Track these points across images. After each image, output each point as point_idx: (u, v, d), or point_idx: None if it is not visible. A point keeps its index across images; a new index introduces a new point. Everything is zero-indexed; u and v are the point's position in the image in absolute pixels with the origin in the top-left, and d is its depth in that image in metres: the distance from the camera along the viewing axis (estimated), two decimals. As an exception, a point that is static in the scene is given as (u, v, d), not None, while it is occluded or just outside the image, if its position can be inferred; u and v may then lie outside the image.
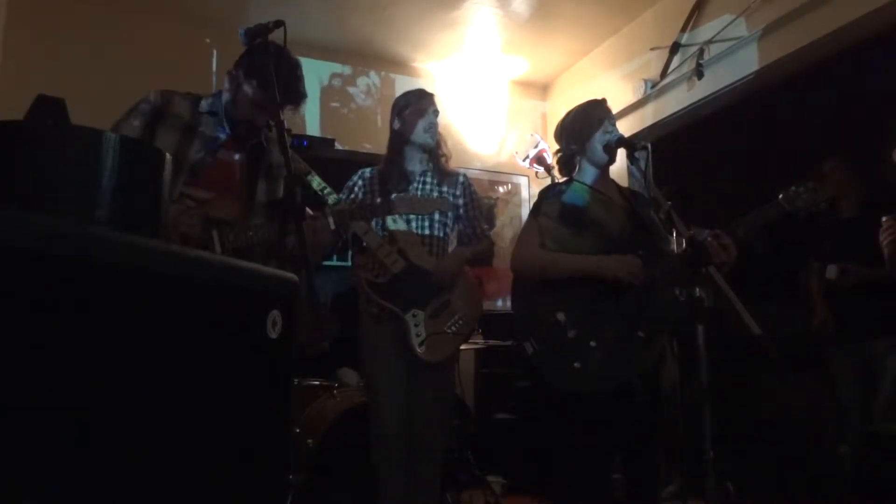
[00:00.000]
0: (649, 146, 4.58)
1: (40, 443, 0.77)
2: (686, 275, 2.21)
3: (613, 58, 4.79)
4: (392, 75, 5.18)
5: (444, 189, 2.73)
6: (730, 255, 2.11)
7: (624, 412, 2.19)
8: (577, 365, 2.16)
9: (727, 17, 3.76)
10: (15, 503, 0.74)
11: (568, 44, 4.93)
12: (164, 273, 0.96)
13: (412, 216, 2.63)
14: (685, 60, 4.07)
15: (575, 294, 2.23)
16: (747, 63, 3.64)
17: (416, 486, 2.53)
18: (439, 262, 2.60)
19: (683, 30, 4.08)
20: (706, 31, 3.93)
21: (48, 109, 1.10)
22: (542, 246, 2.34)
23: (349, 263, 3.26)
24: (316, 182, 2.24)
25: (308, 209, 2.01)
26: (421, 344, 2.49)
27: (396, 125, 2.75)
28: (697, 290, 2.22)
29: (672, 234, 2.29)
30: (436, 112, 2.75)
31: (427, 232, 2.66)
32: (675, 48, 4.12)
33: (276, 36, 1.78)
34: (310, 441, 2.96)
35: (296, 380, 3.17)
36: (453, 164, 2.84)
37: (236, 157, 2.16)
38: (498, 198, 5.45)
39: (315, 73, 4.89)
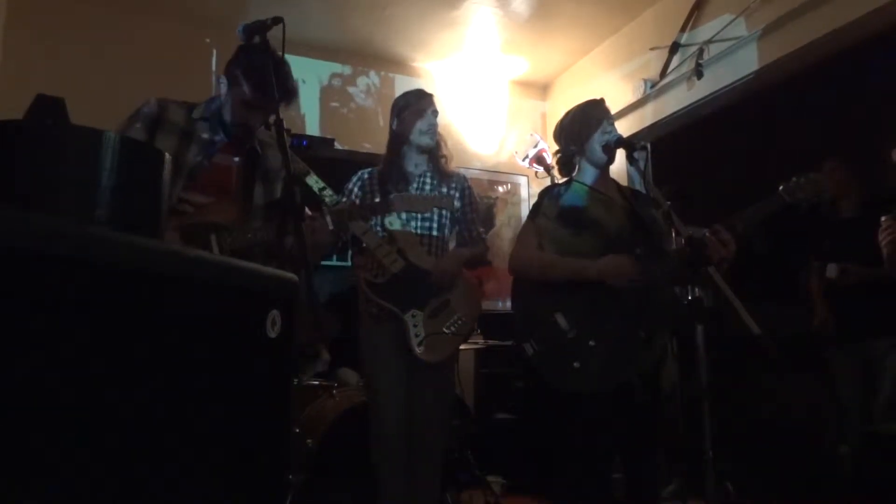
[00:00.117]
0: (649, 146, 4.58)
1: (40, 443, 0.77)
2: (686, 274, 2.20)
3: (613, 58, 4.79)
4: (392, 75, 5.18)
5: (444, 190, 2.73)
6: (729, 251, 2.10)
7: (624, 412, 2.19)
8: (576, 365, 2.16)
9: (727, 17, 3.76)
10: (15, 503, 0.74)
11: (568, 43, 4.93)
12: (164, 273, 0.96)
13: (411, 215, 2.63)
14: (685, 60, 4.07)
15: (574, 294, 2.23)
16: (747, 63, 3.64)
17: (415, 486, 2.52)
18: (438, 262, 2.60)
19: (683, 30, 4.08)
20: (706, 30, 3.93)
21: (48, 109, 1.10)
22: (541, 247, 2.34)
23: (348, 263, 3.26)
24: (314, 182, 2.24)
25: (307, 209, 2.01)
26: (420, 344, 2.49)
27: (395, 126, 2.75)
28: (697, 289, 2.22)
29: (672, 234, 2.29)
30: (435, 113, 2.75)
31: (426, 231, 2.66)
32: (674, 48, 4.12)
33: (275, 34, 1.78)
34: (309, 441, 2.96)
35: (295, 380, 3.17)
36: (453, 165, 2.84)
37: (235, 160, 2.16)
38: (497, 197, 5.45)
39: (315, 73, 4.90)
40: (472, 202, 2.80)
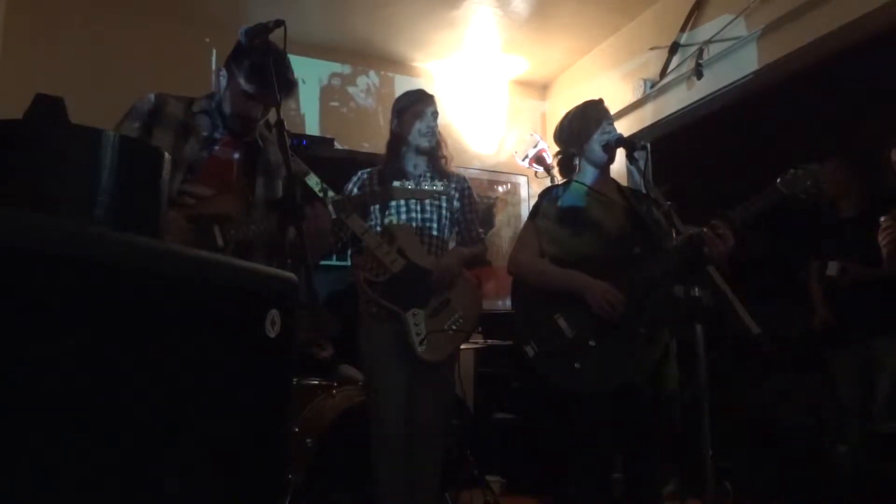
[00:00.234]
0: (648, 146, 4.58)
1: (40, 443, 0.77)
2: (685, 273, 2.21)
3: (613, 57, 4.79)
4: (391, 75, 5.18)
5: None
6: (726, 245, 2.11)
7: (624, 412, 2.19)
8: (577, 365, 2.16)
9: (727, 17, 3.76)
10: (15, 503, 0.74)
11: (567, 43, 4.93)
12: (164, 272, 0.96)
13: (411, 204, 2.64)
14: (684, 60, 4.07)
15: (573, 295, 2.23)
16: (747, 63, 3.64)
17: (415, 486, 2.53)
18: (439, 261, 2.60)
19: (683, 29, 4.08)
20: (705, 30, 3.93)
21: (47, 108, 1.10)
22: (541, 248, 2.35)
23: (348, 263, 3.27)
24: (314, 182, 2.25)
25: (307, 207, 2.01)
26: (421, 343, 2.49)
27: (395, 126, 2.76)
28: (696, 289, 2.22)
29: (672, 233, 2.29)
30: (435, 114, 2.74)
31: (426, 231, 2.66)
32: (674, 48, 4.12)
33: (276, 35, 1.78)
34: (309, 440, 2.96)
35: (295, 379, 3.17)
36: (453, 165, 2.84)
37: (235, 155, 2.16)
38: (497, 197, 5.45)
39: (314, 73, 4.90)
40: (471, 202, 2.81)
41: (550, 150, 4.19)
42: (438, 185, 2.49)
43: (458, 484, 3.42)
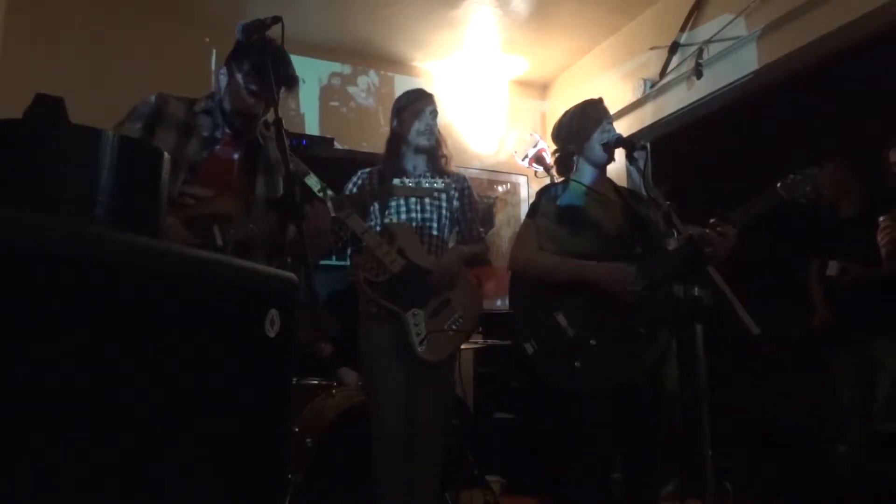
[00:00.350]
0: (648, 146, 4.58)
1: (40, 443, 0.77)
2: (685, 272, 2.21)
3: (613, 57, 4.79)
4: (391, 74, 5.18)
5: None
6: (728, 243, 2.13)
7: (624, 412, 2.19)
8: (577, 364, 2.16)
9: (726, 17, 3.76)
10: (15, 503, 0.74)
11: (567, 43, 4.93)
12: (163, 272, 0.96)
13: (411, 204, 2.64)
14: (684, 60, 4.07)
15: (574, 293, 2.23)
16: (747, 63, 3.64)
17: (415, 486, 2.52)
18: (439, 260, 2.60)
19: (683, 29, 4.08)
20: (705, 30, 3.93)
21: (47, 108, 1.10)
22: (541, 246, 2.34)
23: (348, 263, 3.27)
24: (314, 182, 2.25)
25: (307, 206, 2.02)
26: (421, 343, 2.48)
27: (395, 126, 2.76)
28: (696, 289, 2.22)
29: (671, 233, 2.30)
30: (434, 113, 2.74)
31: (426, 230, 2.66)
32: (674, 48, 4.12)
33: (274, 33, 1.78)
34: (308, 440, 2.96)
35: (294, 379, 3.17)
36: (453, 164, 2.84)
37: (235, 155, 2.16)
38: (497, 197, 5.45)
39: (314, 72, 4.89)
40: (471, 201, 2.80)
41: (550, 150, 4.19)
42: (439, 183, 2.49)
43: (458, 484, 3.42)
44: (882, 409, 3.35)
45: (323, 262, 3.90)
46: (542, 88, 5.68)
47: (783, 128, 4.74)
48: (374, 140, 4.59)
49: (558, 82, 5.52)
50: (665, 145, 4.55)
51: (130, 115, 2.04)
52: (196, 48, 4.48)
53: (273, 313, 1.17)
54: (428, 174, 2.73)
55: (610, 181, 2.55)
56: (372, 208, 2.71)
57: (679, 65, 4.12)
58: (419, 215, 2.67)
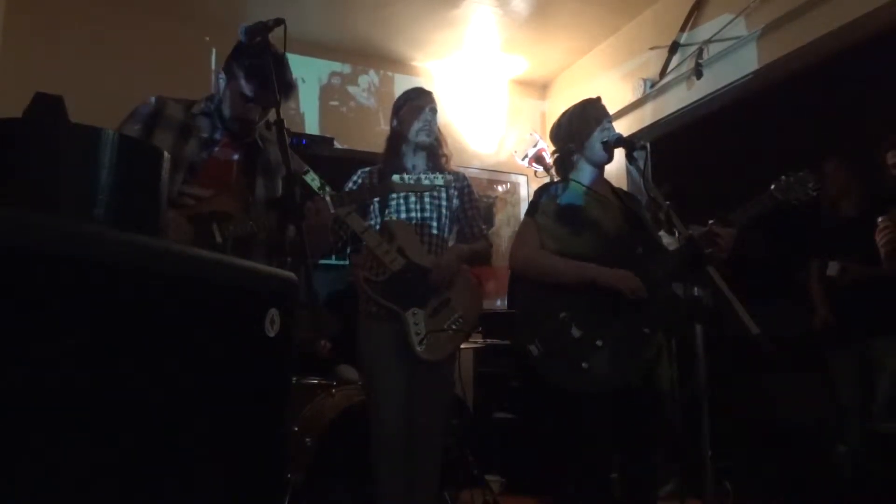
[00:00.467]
0: (648, 146, 4.58)
1: (40, 442, 0.77)
2: (685, 272, 2.21)
3: (613, 57, 4.79)
4: (391, 74, 5.18)
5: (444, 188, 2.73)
6: (728, 242, 2.14)
7: (623, 412, 2.19)
8: (584, 365, 2.15)
9: (726, 17, 3.76)
10: (15, 503, 0.73)
11: (567, 43, 4.93)
12: (163, 272, 0.95)
13: (411, 203, 2.64)
14: (684, 60, 4.07)
15: (577, 294, 2.22)
16: (747, 62, 3.64)
17: (414, 486, 2.52)
18: (438, 259, 2.60)
19: (683, 29, 4.08)
20: (705, 30, 3.93)
21: (47, 107, 1.10)
22: (542, 245, 2.34)
23: (347, 263, 3.26)
24: (313, 180, 2.25)
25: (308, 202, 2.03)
26: (420, 342, 2.48)
27: (394, 124, 2.76)
28: (696, 289, 2.22)
29: (670, 234, 2.30)
30: (433, 111, 2.74)
31: (426, 229, 2.65)
32: (674, 47, 4.12)
33: (276, 34, 1.78)
34: (308, 440, 2.96)
35: (294, 379, 3.17)
36: (453, 164, 2.84)
37: (234, 156, 2.17)
38: (497, 197, 5.45)
39: (314, 72, 4.89)
40: (472, 199, 2.80)
41: (550, 150, 4.20)
42: (439, 179, 2.48)
43: (457, 483, 3.42)
44: (882, 408, 3.35)
45: (323, 262, 3.90)
46: (541, 88, 5.68)
47: (783, 128, 4.74)
48: (374, 139, 4.58)
49: (558, 82, 5.52)
50: (665, 145, 4.55)
51: (130, 117, 2.05)
52: (196, 48, 4.48)
53: (273, 313, 1.17)
54: (428, 172, 2.73)
55: (607, 182, 2.55)
56: (372, 207, 2.71)
57: (679, 65, 4.12)
58: (419, 214, 2.67)
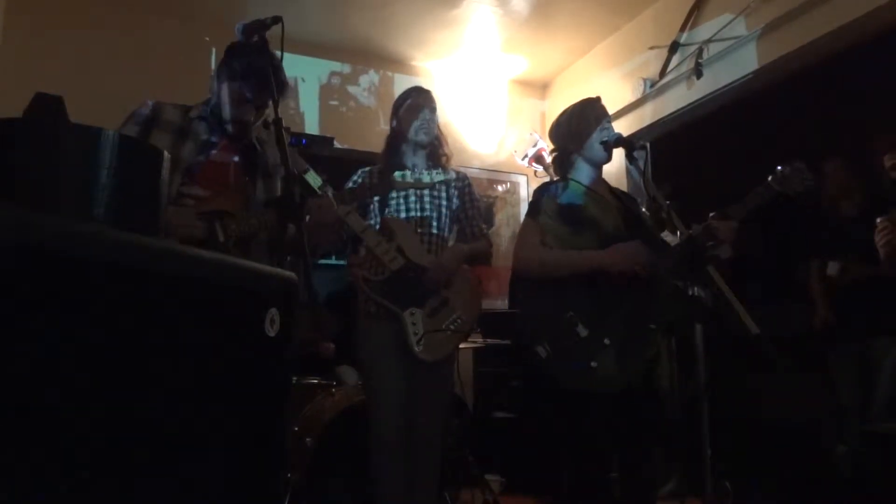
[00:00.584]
0: (648, 145, 4.58)
1: (39, 442, 0.77)
2: (685, 272, 2.21)
3: (613, 57, 4.79)
4: (391, 74, 5.18)
5: (444, 188, 2.73)
6: (728, 235, 2.16)
7: (624, 411, 2.19)
8: (594, 364, 2.15)
9: (726, 17, 3.76)
10: (15, 503, 0.73)
11: (567, 43, 4.93)
12: (163, 271, 0.96)
13: (411, 203, 2.64)
14: (684, 60, 4.07)
15: (581, 292, 2.22)
16: (747, 62, 3.64)
17: (414, 485, 2.52)
18: (436, 258, 2.60)
19: (683, 29, 4.08)
20: (705, 30, 3.93)
21: (47, 107, 1.09)
22: (544, 245, 2.34)
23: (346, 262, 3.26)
24: (313, 179, 2.25)
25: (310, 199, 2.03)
26: (418, 342, 2.48)
27: (394, 123, 2.76)
28: (696, 289, 2.23)
29: (672, 234, 2.30)
30: (432, 110, 2.74)
31: (426, 229, 2.65)
32: (674, 47, 4.12)
33: (274, 32, 1.78)
34: (308, 440, 2.95)
35: (294, 378, 3.17)
36: (453, 163, 2.84)
37: (234, 158, 2.17)
38: (497, 197, 5.45)
39: (314, 72, 4.90)
40: (472, 199, 2.80)
41: (549, 150, 4.19)
42: (440, 175, 2.48)
43: (457, 483, 3.42)
44: (881, 408, 3.35)
45: (323, 262, 3.90)
46: (541, 88, 5.68)
47: (783, 128, 4.74)
48: (374, 139, 4.58)
49: (558, 82, 5.52)
50: (665, 145, 4.55)
51: (129, 119, 2.06)
52: (196, 47, 4.48)
53: (273, 313, 1.17)
54: (430, 170, 2.73)
55: (605, 182, 2.55)
56: (371, 207, 2.71)
57: (679, 64, 4.12)
58: (419, 213, 2.67)
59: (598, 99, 2.52)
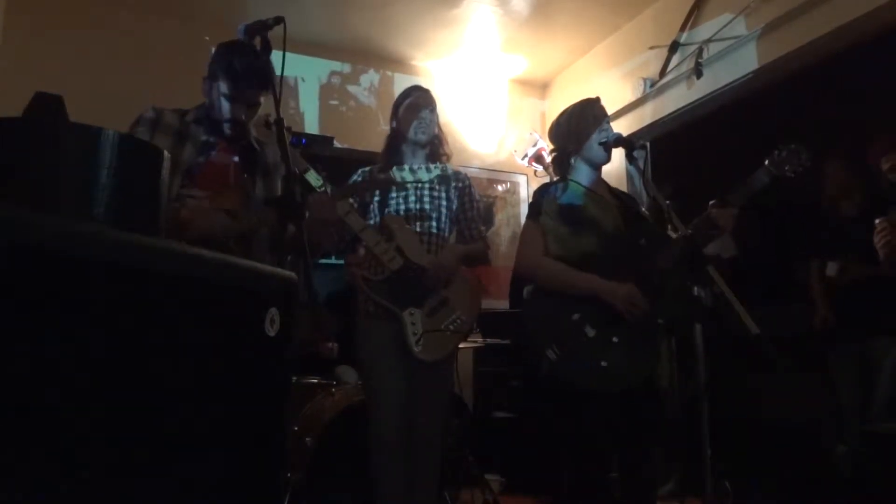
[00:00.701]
0: (648, 145, 4.58)
1: (39, 442, 0.77)
2: (685, 271, 2.21)
3: (613, 56, 4.79)
4: (391, 73, 5.18)
5: (444, 187, 2.73)
6: (728, 223, 2.16)
7: (624, 411, 2.19)
8: (604, 364, 2.14)
9: (726, 16, 3.76)
10: (15, 503, 0.73)
11: (567, 42, 4.93)
12: (163, 271, 0.95)
13: (411, 202, 2.64)
14: (684, 59, 4.07)
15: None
16: (747, 62, 3.64)
17: (414, 485, 2.52)
18: (436, 258, 2.59)
19: (683, 28, 4.08)
20: (705, 29, 3.93)
21: (47, 107, 1.10)
22: (546, 247, 2.34)
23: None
24: (314, 178, 2.25)
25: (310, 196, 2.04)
26: (418, 342, 2.48)
27: (394, 123, 2.76)
28: (696, 289, 2.22)
29: (674, 233, 2.30)
30: (432, 109, 2.74)
31: (426, 229, 2.65)
32: (674, 47, 4.12)
33: (276, 33, 1.78)
34: (308, 439, 2.95)
35: (294, 378, 3.17)
36: (453, 163, 2.84)
37: (234, 159, 2.17)
38: (497, 196, 5.45)
39: (314, 71, 4.89)
40: (472, 200, 2.80)
41: (549, 149, 4.20)
42: (437, 169, 2.48)
43: (457, 483, 3.42)
44: (881, 408, 3.35)
45: (323, 262, 3.90)
46: (541, 88, 5.68)
47: (783, 128, 4.74)
48: (374, 139, 4.58)
49: (558, 81, 5.52)
50: (665, 145, 4.55)
51: (136, 124, 2.08)
52: (196, 47, 4.46)
53: (273, 312, 1.17)
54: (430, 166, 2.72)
55: (605, 182, 2.55)
56: (371, 206, 2.71)
57: (679, 64, 4.11)
58: (419, 212, 2.67)
59: (597, 99, 2.52)
